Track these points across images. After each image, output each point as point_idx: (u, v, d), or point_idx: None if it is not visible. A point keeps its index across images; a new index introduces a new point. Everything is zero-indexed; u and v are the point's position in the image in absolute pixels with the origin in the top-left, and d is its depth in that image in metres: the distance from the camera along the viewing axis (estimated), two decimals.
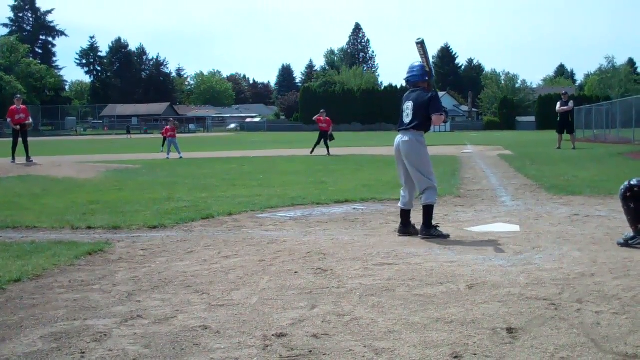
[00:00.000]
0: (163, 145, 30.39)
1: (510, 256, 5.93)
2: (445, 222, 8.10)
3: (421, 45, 6.93)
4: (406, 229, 7.19)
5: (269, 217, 8.74)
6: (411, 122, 7.11)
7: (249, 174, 16.29)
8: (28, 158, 19.90)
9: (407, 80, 7.35)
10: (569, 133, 26.04)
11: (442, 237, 6.92)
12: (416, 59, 7.20)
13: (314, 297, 4.65)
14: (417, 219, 7.21)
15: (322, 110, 26.80)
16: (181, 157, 24.73)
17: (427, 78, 7.18)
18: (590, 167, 15.94)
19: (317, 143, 25.64)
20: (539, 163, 17.76)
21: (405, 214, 7.27)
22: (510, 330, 3.82)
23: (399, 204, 7.38)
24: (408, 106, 7.18)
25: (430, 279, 5.10)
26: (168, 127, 27.15)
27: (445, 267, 5.51)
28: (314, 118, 26.80)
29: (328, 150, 25.12)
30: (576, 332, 3.76)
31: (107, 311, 4.38)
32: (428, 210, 7.05)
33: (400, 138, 7.20)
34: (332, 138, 25.77)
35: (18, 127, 20.07)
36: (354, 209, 9.49)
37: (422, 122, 7.11)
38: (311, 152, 25.24)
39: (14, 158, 19.90)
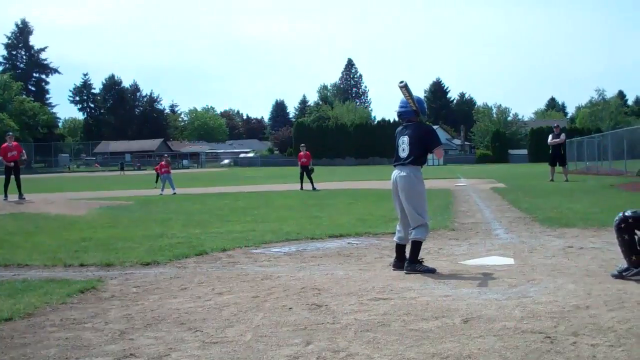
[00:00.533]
0: (157, 181, 30.40)
1: (505, 289, 5.91)
2: (440, 256, 8.09)
3: (405, 88, 6.96)
4: (401, 263, 7.15)
5: (263, 253, 8.70)
6: (408, 156, 7.14)
7: (242, 209, 16.26)
8: (20, 195, 19.84)
9: (400, 114, 7.38)
10: (562, 165, 26.17)
11: (427, 272, 6.88)
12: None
13: (308, 333, 4.61)
14: None
15: (302, 145, 27.60)
16: (175, 193, 24.70)
17: (419, 115, 7.22)
18: (583, 199, 15.99)
19: (301, 178, 25.97)
20: (532, 195, 17.81)
21: (400, 249, 7.26)
22: None
23: (394, 238, 7.38)
24: (404, 141, 7.21)
25: (426, 313, 5.07)
26: (162, 162, 27.22)
27: (440, 301, 5.48)
28: (298, 158, 27.21)
29: (312, 185, 25.37)
30: None
31: (99, 350, 4.34)
32: (416, 246, 7.02)
33: (397, 173, 7.22)
34: (312, 171, 26.13)
35: (12, 164, 20.06)
36: (349, 243, 9.47)
37: (418, 157, 7.15)
38: (301, 188, 25.42)
39: (6, 196, 19.82)
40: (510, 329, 4.53)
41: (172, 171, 27.60)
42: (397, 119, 7.59)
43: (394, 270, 7.15)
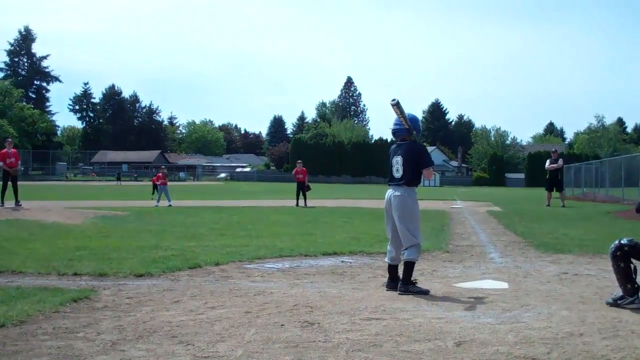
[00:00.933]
0: (153, 193, 30.34)
1: (498, 314, 5.90)
2: (434, 278, 8.08)
3: (397, 106, 6.94)
4: (394, 283, 7.13)
5: (256, 268, 8.69)
6: (402, 177, 7.14)
7: (237, 223, 16.25)
8: (17, 202, 19.78)
9: (394, 132, 7.38)
10: (558, 191, 26.23)
11: (421, 293, 6.87)
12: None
13: (300, 351, 4.60)
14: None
15: (298, 162, 27.68)
16: (170, 205, 24.67)
17: (412, 133, 7.21)
18: (579, 226, 16.01)
19: (298, 194, 25.98)
20: (528, 220, 17.83)
21: (392, 269, 7.25)
22: None
23: (386, 259, 7.38)
24: (397, 161, 7.21)
25: (418, 335, 5.06)
26: (160, 174, 27.22)
27: (433, 323, 5.47)
28: (293, 172, 27.24)
29: (305, 202, 25.43)
30: None
31: None
32: (409, 267, 7.00)
33: (392, 192, 7.20)
34: (308, 188, 26.07)
35: (12, 169, 20.04)
36: (342, 261, 9.46)
37: (413, 178, 7.15)
38: (297, 205, 25.39)
39: (2, 202, 19.77)
40: (503, 353, 4.52)
41: (168, 183, 27.57)
42: (392, 137, 7.61)
43: (387, 290, 7.14)
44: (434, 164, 7.36)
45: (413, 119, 7.24)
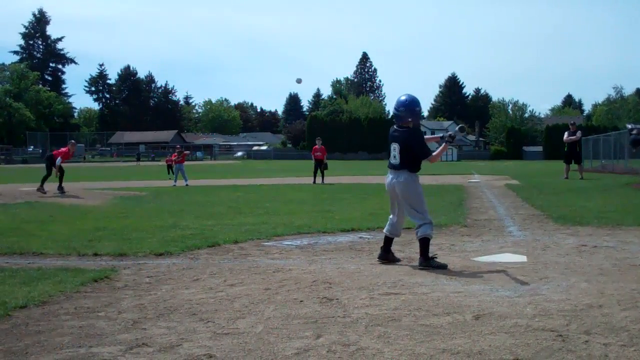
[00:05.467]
0: (169, 173, 30.38)
1: (517, 287, 5.90)
2: (452, 252, 8.08)
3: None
4: (386, 254, 7.31)
5: (274, 246, 8.73)
6: (400, 165, 7.15)
7: (255, 201, 16.30)
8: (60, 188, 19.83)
9: (394, 116, 7.38)
10: (577, 163, 25.99)
11: (439, 268, 6.89)
12: (404, 93, 7.21)
13: (319, 326, 4.63)
14: (408, 247, 7.20)
15: (318, 139, 27.12)
16: (187, 185, 24.67)
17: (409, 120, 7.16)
18: (597, 198, 15.88)
19: (315, 172, 25.79)
20: (547, 193, 17.72)
21: (387, 241, 7.37)
22: None
23: (384, 230, 7.44)
24: (395, 147, 7.20)
25: (437, 309, 5.07)
26: (175, 153, 27.11)
27: (452, 297, 5.48)
28: (312, 150, 26.88)
29: (323, 179, 25.33)
30: None
31: (112, 338, 4.37)
32: (424, 243, 7.04)
33: (393, 178, 7.20)
34: (325, 167, 25.87)
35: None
36: (360, 237, 9.48)
37: (411, 165, 7.15)
38: (314, 182, 25.28)
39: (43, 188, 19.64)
40: (521, 326, 4.52)
41: (185, 162, 27.43)
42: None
43: (377, 260, 7.29)
44: (431, 152, 7.29)
45: (407, 103, 7.14)
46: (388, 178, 7.28)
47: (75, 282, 6.15)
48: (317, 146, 26.21)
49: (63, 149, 20.67)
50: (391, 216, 7.41)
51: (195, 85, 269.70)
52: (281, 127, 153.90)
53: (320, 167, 25.63)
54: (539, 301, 5.26)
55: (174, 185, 24.55)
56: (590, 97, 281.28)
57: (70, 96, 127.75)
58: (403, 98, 7.18)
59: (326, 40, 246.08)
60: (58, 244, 8.67)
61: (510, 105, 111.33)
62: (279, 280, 6.35)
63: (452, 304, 5.23)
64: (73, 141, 22.73)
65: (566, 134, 25.95)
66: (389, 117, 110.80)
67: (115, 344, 4.24)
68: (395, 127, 7.30)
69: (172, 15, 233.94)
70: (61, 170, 20.21)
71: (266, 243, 8.94)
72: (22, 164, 72.49)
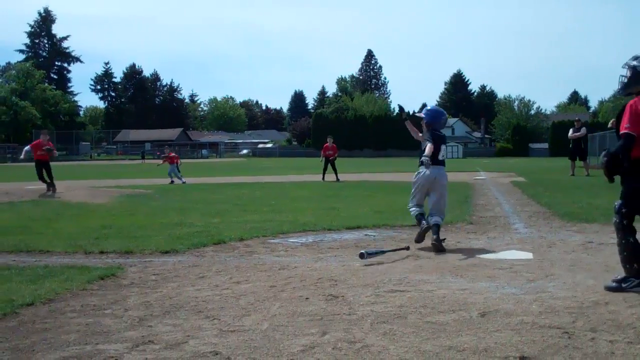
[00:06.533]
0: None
1: (523, 284, 5.89)
2: (458, 249, 8.07)
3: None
4: (441, 241, 8.04)
5: (280, 243, 8.74)
6: (444, 162, 8.52)
7: (260, 199, 16.31)
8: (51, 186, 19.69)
9: (444, 122, 8.89)
10: (582, 160, 25.93)
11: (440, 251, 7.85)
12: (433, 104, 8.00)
13: (325, 323, 4.63)
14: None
15: (329, 137, 26.76)
16: (184, 182, 24.55)
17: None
18: (603, 195, 15.80)
19: (325, 169, 25.70)
20: (552, 190, 17.67)
21: (422, 216, 8.33)
22: (522, 359, 3.78)
23: (418, 211, 8.38)
24: (444, 148, 8.54)
25: (442, 306, 5.07)
26: (172, 154, 26.81)
27: (458, 294, 5.48)
28: (323, 148, 26.51)
29: (337, 175, 25.17)
30: None
31: (118, 336, 4.39)
32: (439, 228, 8.19)
33: (440, 172, 8.38)
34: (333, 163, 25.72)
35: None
36: (366, 235, 9.48)
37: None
38: (322, 179, 25.21)
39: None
40: (527, 323, 4.52)
41: (181, 161, 27.38)
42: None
43: (437, 253, 7.78)
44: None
45: (435, 113, 8.75)
46: (433, 172, 8.20)
47: (81, 279, 6.17)
48: (328, 144, 25.95)
49: (36, 141, 20.59)
50: (420, 207, 8.41)
51: (201, 83, 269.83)
52: (286, 124, 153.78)
53: (332, 163, 25.49)
54: (545, 298, 5.26)
55: (183, 182, 24.53)
56: (597, 94, 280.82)
57: (76, 95, 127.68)
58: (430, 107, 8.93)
59: (331, 38, 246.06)
60: (64, 242, 8.69)
61: (517, 102, 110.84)
62: (285, 277, 6.35)
63: (457, 301, 5.23)
64: (45, 130, 22.91)
65: (571, 130, 25.90)
66: (394, 114, 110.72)
67: (121, 342, 4.25)
68: (440, 132, 8.61)
69: (177, 13, 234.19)
70: (45, 166, 19.90)
71: (272, 240, 8.95)
72: (28, 162, 72.48)
